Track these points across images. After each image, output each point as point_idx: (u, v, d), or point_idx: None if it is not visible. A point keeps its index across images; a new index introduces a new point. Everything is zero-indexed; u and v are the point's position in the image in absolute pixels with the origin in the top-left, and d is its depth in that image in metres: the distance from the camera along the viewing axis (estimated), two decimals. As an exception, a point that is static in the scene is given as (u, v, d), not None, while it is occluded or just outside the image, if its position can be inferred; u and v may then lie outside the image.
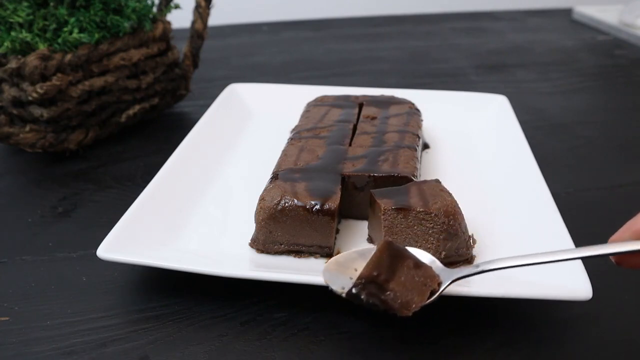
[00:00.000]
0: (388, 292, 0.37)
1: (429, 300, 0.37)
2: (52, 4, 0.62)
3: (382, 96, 0.68)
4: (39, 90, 0.60)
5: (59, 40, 0.62)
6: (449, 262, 0.44)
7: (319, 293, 0.44)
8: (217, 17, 0.92)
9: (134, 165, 0.66)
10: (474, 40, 1.18)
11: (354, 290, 0.37)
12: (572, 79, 0.95)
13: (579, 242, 0.44)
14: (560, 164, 0.66)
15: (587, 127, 0.76)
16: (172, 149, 0.59)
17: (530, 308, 0.43)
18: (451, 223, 0.43)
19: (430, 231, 0.43)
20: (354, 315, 0.43)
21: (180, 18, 0.84)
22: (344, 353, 0.40)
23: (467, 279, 0.43)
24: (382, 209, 0.44)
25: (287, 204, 0.45)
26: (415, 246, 0.44)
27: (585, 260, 0.42)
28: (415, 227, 0.43)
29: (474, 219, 0.48)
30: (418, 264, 0.38)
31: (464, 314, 0.43)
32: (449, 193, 0.46)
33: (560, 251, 0.36)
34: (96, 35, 0.64)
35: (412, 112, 0.63)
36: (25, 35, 0.60)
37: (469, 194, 0.50)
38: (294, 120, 0.65)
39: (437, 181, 0.47)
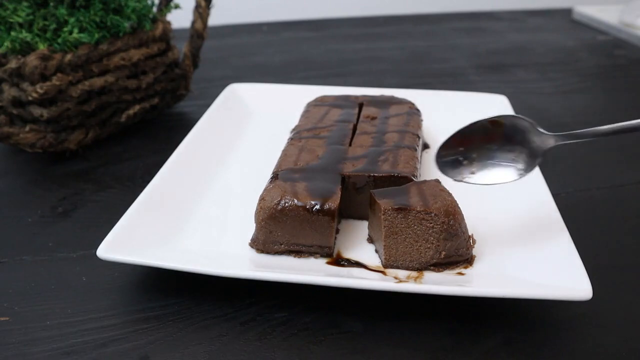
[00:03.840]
0: None
1: None
2: (52, 4, 0.62)
3: (382, 96, 0.68)
4: (39, 90, 0.60)
5: (59, 40, 0.62)
6: (449, 262, 0.44)
7: (319, 293, 0.44)
8: (217, 17, 0.92)
9: (134, 165, 0.66)
10: (474, 40, 1.18)
11: None
12: (572, 79, 0.95)
13: (579, 242, 0.44)
14: (560, 164, 0.66)
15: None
16: (172, 149, 0.59)
17: (530, 308, 0.43)
18: (451, 223, 0.43)
19: (430, 231, 0.43)
20: (354, 315, 0.43)
21: (180, 18, 0.84)
22: (344, 353, 0.40)
23: (466, 279, 0.43)
24: (382, 208, 0.44)
25: (287, 204, 0.45)
26: (416, 246, 0.44)
27: (585, 260, 0.42)
28: (415, 227, 0.43)
29: (474, 219, 0.48)
30: None
31: (464, 314, 0.43)
32: (449, 193, 0.46)
33: None
34: (96, 35, 0.64)
35: (412, 112, 0.63)
36: (25, 35, 0.60)
37: (469, 194, 0.50)
38: (294, 120, 0.65)
39: (437, 181, 0.47)
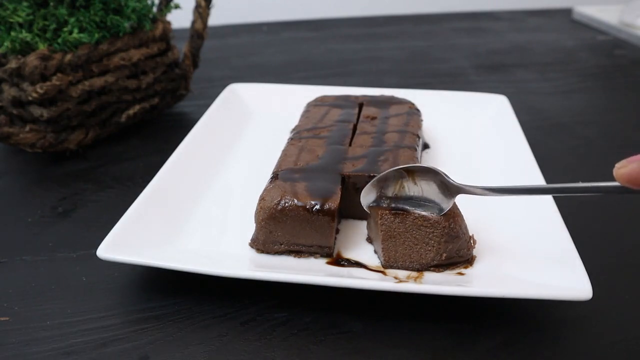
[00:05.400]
0: None
1: None
2: (52, 4, 0.62)
3: (382, 96, 0.68)
4: (39, 90, 0.60)
5: (59, 40, 0.62)
6: (450, 263, 0.44)
7: (319, 293, 0.44)
8: (217, 17, 0.92)
9: (134, 165, 0.66)
10: (474, 40, 1.18)
11: None
12: (572, 79, 0.95)
13: (579, 242, 0.44)
14: (560, 164, 0.66)
15: (587, 127, 0.76)
16: (172, 149, 0.59)
17: (530, 308, 0.43)
18: (452, 226, 0.43)
19: (430, 235, 0.43)
20: (354, 315, 0.43)
21: (180, 18, 0.84)
22: (344, 353, 0.40)
23: (466, 279, 0.43)
24: (379, 212, 0.43)
25: (287, 204, 0.45)
26: (415, 249, 0.44)
27: (585, 260, 0.42)
28: (414, 232, 0.43)
29: (474, 220, 0.48)
30: None
31: (464, 314, 0.43)
32: (449, 193, 0.45)
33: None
34: (96, 35, 0.64)
35: (412, 112, 0.63)
36: (25, 35, 0.60)
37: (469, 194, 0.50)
38: (294, 120, 0.65)
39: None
